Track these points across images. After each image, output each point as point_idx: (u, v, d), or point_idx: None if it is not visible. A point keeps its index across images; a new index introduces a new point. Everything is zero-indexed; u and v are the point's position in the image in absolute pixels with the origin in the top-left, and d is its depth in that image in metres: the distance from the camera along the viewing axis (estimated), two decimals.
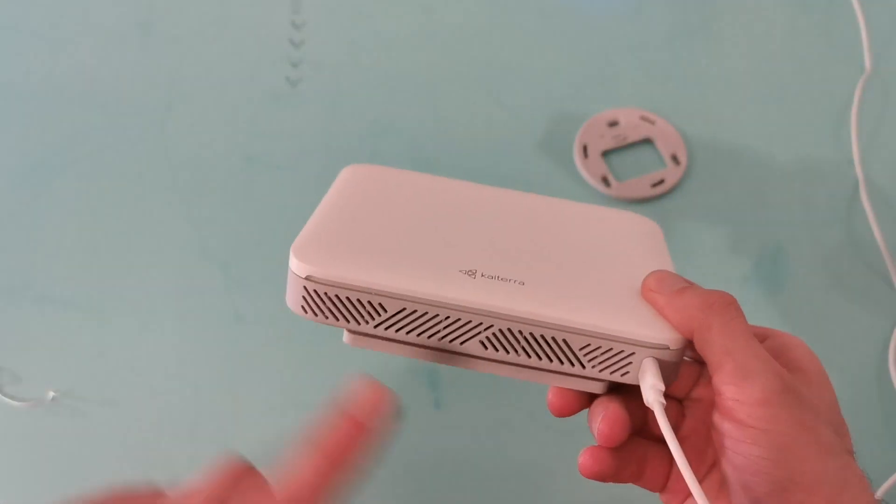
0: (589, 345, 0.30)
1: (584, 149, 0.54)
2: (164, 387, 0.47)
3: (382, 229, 0.33)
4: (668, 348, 0.30)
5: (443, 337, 0.30)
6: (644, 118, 0.55)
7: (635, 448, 0.32)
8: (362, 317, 0.30)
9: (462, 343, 0.30)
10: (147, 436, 0.46)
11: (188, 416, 0.47)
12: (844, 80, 0.57)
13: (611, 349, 0.30)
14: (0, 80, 0.56)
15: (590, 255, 0.34)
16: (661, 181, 0.53)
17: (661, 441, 0.31)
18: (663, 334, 0.30)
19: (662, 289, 0.31)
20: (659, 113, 0.56)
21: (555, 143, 0.55)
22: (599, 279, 0.32)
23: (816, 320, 0.50)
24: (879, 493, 0.45)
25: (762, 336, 0.32)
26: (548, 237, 0.35)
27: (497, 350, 0.30)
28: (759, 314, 0.51)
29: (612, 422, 0.30)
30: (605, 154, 0.55)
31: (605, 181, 0.53)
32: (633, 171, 0.54)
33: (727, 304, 0.29)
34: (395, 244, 0.32)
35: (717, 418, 0.29)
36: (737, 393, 0.28)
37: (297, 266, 0.30)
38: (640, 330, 0.30)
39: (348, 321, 0.30)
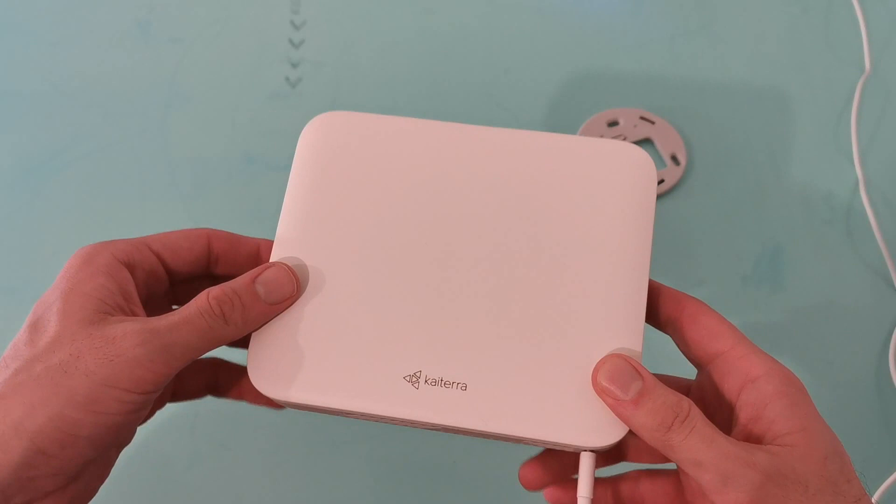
0: (528, 441, 0.32)
1: None
2: None
3: (329, 322, 0.33)
4: (605, 447, 0.31)
5: (397, 425, 0.33)
6: (644, 118, 0.55)
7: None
8: (325, 413, 0.33)
9: (414, 427, 0.33)
10: (147, 435, 0.46)
11: (188, 415, 0.47)
12: (844, 80, 0.57)
13: (551, 445, 0.32)
14: (0, 81, 0.56)
15: (549, 311, 0.32)
16: (661, 181, 0.53)
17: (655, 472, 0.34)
18: (601, 437, 0.30)
19: (613, 392, 0.30)
20: (659, 113, 0.56)
21: None
22: (550, 357, 0.31)
23: (816, 320, 0.50)
24: (879, 493, 0.45)
25: (731, 401, 0.31)
26: (507, 291, 0.32)
27: (445, 432, 0.33)
28: (759, 314, 0.51)
29: None
30: None
31: None
32: None
33: (683, 419, 0.28)
34: (341, 342, 0.32)
35: None
36: (724, 499, 0.28)
37: (257, 387, 0.33)
38: (577, 435, 0.31)
39: (313, 412, 0.34)
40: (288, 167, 0.37)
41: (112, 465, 0.34)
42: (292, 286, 0.32)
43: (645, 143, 0.55)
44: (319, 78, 0.57)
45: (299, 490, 0.46)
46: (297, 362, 0.32)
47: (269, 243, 0.35)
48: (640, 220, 0.33)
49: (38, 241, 0.51)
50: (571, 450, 0.32)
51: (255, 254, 0.36)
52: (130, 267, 0.32)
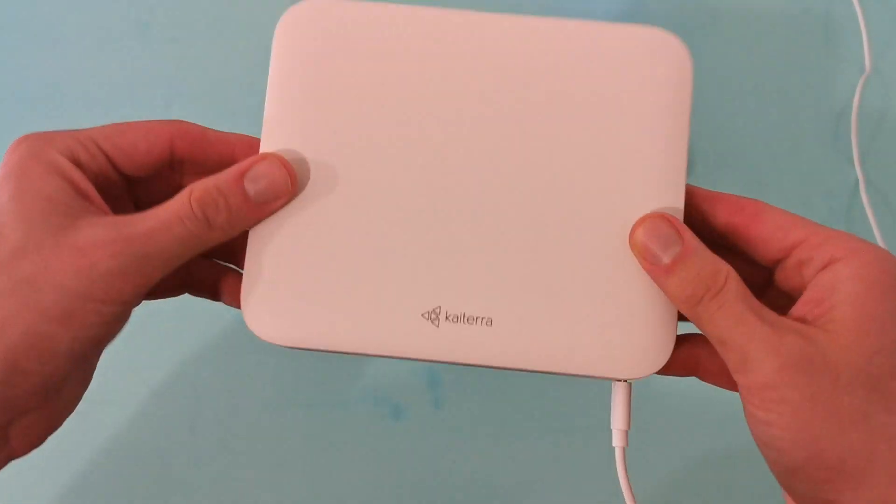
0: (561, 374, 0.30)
1: None
2: (164, 387, 0.47)
3: (331, 255, 0.29)
4: (640, 377, 0.29)
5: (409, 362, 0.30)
6: None
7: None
8: (326, 354, 0.30)
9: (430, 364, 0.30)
10: (147, 436, 0.46)
11: (188, 415, 0.47)
12: (844, 80, 0.57)
13: (583, 377, 0.29)
14: (0, 81, 0.56)
15: (574, 215, 0.29)
16: None
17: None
18: (638, 369, 0.29)
19: (650, 254, 0.28)
20: None
21: None
22: (581, 284, 0.29)
23: None
24: None
25: (804, 257, 0.28)
26: (530, 213, 0.29)
27: (465, 367, 0.30)
28: None
29: None
30: None
31: None
32: None
33: (715, 293, 0.26)
34: (346, 276, 0.29)
35: (742, 401, 0.27)
36: (744, 381, 0.26)
37: (255, 333, 0.29)
38: (613, 367, 0.29)
39: (312, 352, 0.30)
40: None
41: (93, 370, 0.31)
42: (286, 182, 0.28)
43: None
44: None
45: (299, 490, 0.46)
46: (301, 302, 0.29)
47: (248, 142, 0.31)
48: (675, 123, 0.30)
49: None
50: (600, 378, 0.29)
51: (230, 158, 0.31)
52: (78, 166, 0.28)
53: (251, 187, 0.28)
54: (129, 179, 0.31)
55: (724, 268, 0.27)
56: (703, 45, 0.59)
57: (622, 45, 0.30)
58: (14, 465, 0.45)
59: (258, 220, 0.29)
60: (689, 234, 0.28)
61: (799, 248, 0.28)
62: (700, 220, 0.30)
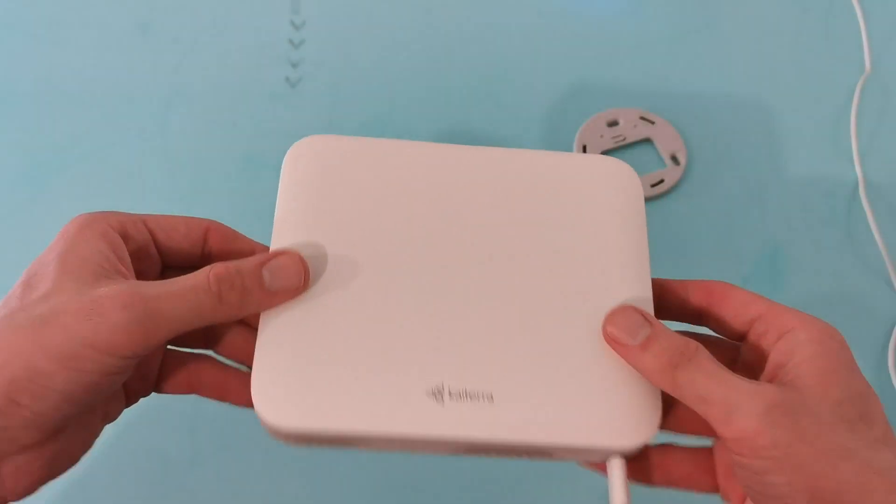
0: (558, 452, 0.31)
1: (584, 149, 0.54)
2: None
3: (339, 339, 0.31)
4: (636, 447, 0.30)
5: (415, 451, 0.32)
6: (644, 118, 0.55)
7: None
8: (336, 447, 0.31)
9: (435, 454, 0.32)
10: (147, 436, 0.46)
11: (188, 416, 0.47)
12: (844, 80, 0.57)
13: (580, 453, 0.31)
14: (0, 81, 0.56)
15: (562, 315, 0.32)
16: (661, 181, 0.53)
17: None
18: (631, 437, 0.30)
19: (622, 340, 0.30)
20: (659, 113, 0.56)
21: (554, 143, 0.55)
22: (571, 360, 0.31)
23: None
24: None
25: (768, 354, 0.31)
26: (517, 298, 0.32)
27: (469, 455, 0.32)
28: None
29: None
30: (605, 154, 0.55)
31: None
32: None
33: (689, 358, 0.29)
34: (355, 360, 0.31)
35: (732, 458, 0.29)
36: (731, 433, 0.27)
37: (263, 416, 0.30)
38: (607, 437, 0.30)
39: (322, 447, 0.31)
40: None
41: (96, 436, 0.32)
42: (299, 278, 0.31)
43: (645, 143, 0.55)
44: (319, 78, 0.57)
45: (300, 491, 0.46)
46: (311, 388, 0.30)
47: (267, 249, 0.34)
48: (633, 221, 0.34)
49: (38, 241, 0.51)
50: (600, 457, 0.31)
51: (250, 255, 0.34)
52: (124, 238, 0.32)
53: (267, 276, 0.31)
54: (166, 264, 0.34)
55: (693, 341, 0.30)
56: (703, 45, 0.59)
57: (588, 171, 0.35)
58: None
59: (268, 307, 0.31)
60: (656, 321, 0.31)
61: (758, 321, 0.31)
62: (678, 305, 0.33)
